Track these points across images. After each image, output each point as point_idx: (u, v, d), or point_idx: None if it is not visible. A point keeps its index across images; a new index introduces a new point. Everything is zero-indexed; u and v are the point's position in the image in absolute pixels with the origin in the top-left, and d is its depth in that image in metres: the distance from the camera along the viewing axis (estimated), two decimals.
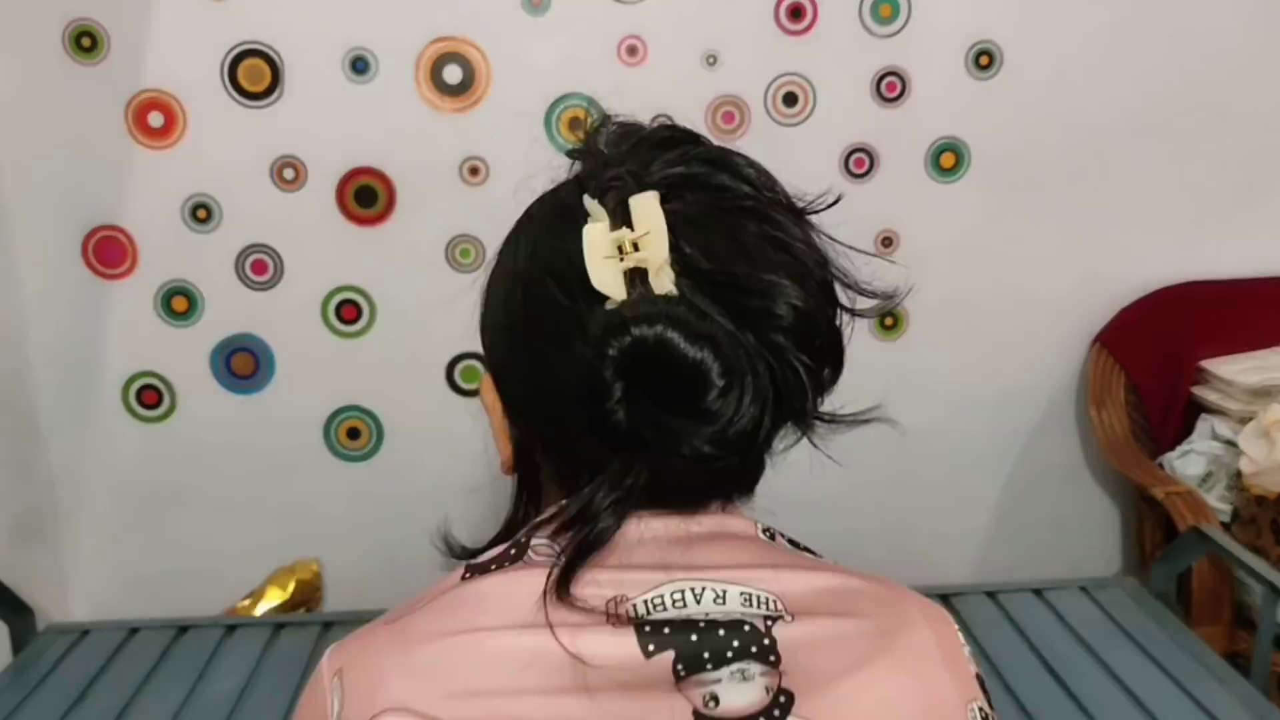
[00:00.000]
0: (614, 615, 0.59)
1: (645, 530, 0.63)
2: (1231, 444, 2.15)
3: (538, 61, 2.01)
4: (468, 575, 0.63)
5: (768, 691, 0.59)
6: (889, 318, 2.21)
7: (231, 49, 1.94)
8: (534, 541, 0.64)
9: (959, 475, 2.31)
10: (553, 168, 0.71)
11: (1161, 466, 2.20)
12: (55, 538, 2.12)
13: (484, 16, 1.98)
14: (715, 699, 0.58)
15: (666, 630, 0.59)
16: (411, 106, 2.00)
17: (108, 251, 2.03)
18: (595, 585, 0.60)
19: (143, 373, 2.09)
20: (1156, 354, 2.26)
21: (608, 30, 2.01)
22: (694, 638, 0.59)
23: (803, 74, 2.06)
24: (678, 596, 0.60)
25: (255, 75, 1.96)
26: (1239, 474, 2.10)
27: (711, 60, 2.04)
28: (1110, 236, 2.22)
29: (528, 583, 0.60)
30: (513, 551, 0.64)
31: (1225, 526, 2.04)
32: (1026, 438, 2.33)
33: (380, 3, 1.96)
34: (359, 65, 1.98)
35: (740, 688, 0.58)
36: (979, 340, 2.25)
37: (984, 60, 2.11)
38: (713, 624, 0.59)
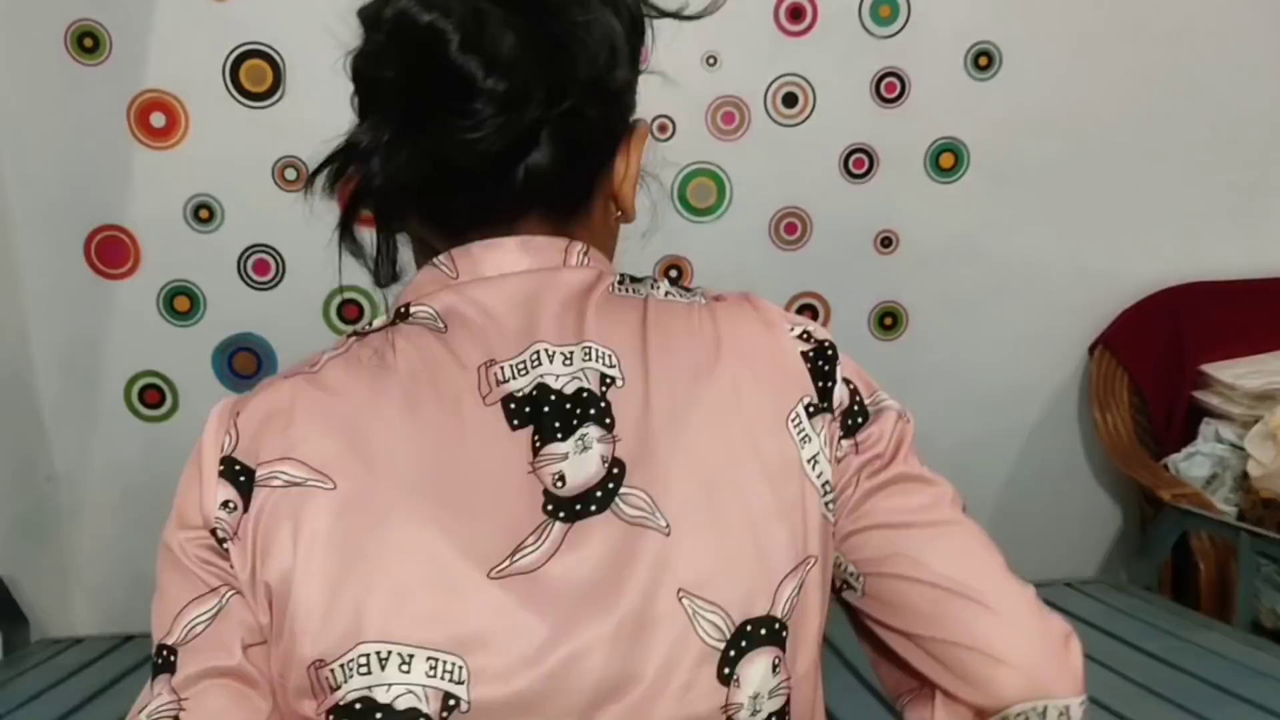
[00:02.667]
0: (486, 381, 0.61)
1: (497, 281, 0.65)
2: (1237, 447, 2.08)
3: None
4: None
5: (604, 462, 0.60)
6: (888, 317, 2.15)
7: (233, 50, 1.91)
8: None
9: (959, 475, 2.24)
10: None
11: (1166, 469, 2.13)
12: (58, 537, 2.06)
13: None
14: (563, 478, 0.59)
15: (528, 409, 0.61)
16: None
17: (110, 252, 1.99)
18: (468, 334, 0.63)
19: (145, 372, 2.05)
20: (1159, 356, 2.21)
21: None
22: (546, 409, 0.61)
23: (803, 74, 2.02)
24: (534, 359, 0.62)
25: (257, 76, 1.92)
26: (1244, 476, 2.04)
27: (712, 61, 2.00)
28: (1110, 237, 2.18)
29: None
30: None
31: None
32: (1027, 438, 2.27)
33: None
34: None
35: (581, 460, 0.59)
36: (978, 340, 2.20)
37: (983, 61, 2.07)
38: (560, 395, 0.61)
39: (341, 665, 0.56)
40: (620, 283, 0.68)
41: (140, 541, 2.08)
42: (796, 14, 2.00)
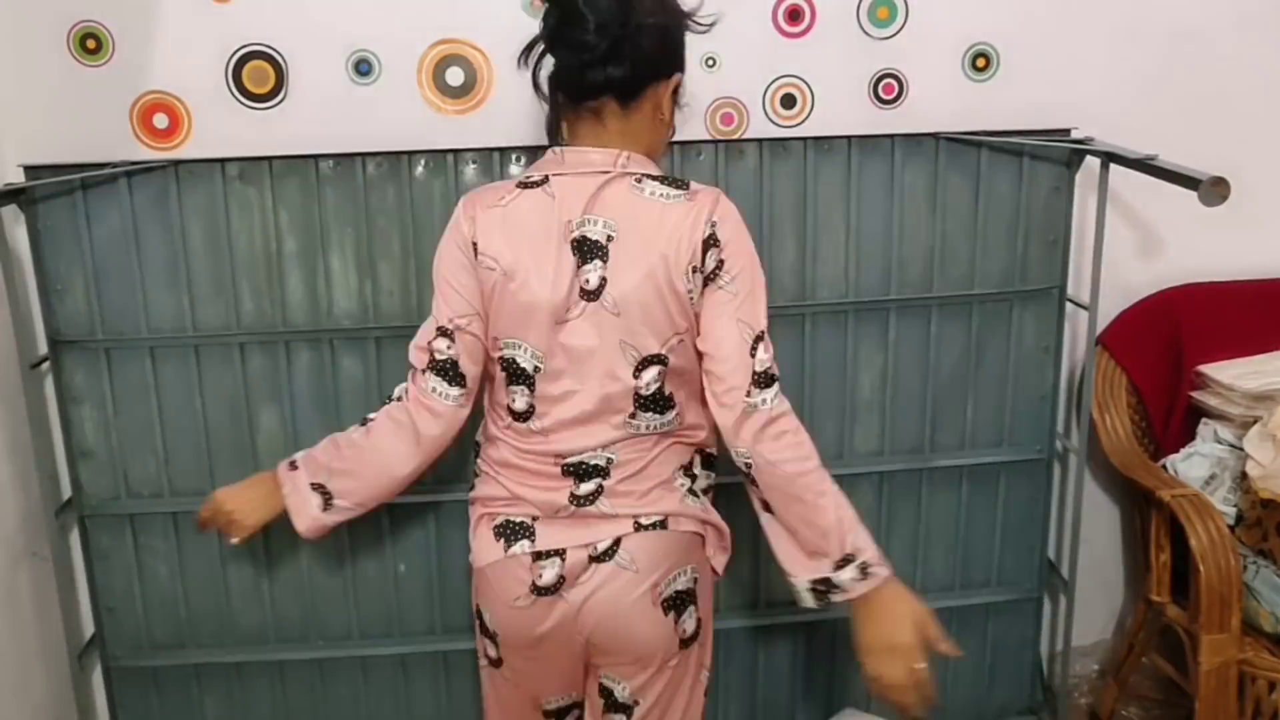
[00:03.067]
0: (566, 229, 1.36)
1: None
2: (1235, 447, 2.07)
3: (540, 63, 1.95)
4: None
5: (601, 278, 1.36)
6: None
7: (236, 51, 1.89)
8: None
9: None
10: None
11: (1165, 469, 2.12)
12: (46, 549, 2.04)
13: (486, 19, 1.94)
14: (588, 282, 1.36)
15: (580, 245, 1.36)
16: (414, 108, 1.95)
17: None
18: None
19: None
20: (1158, 356, 2.20)
21: None
22: (585, 247, 1.36)
23: (801, 76, 2.01)
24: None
25: (259, 77, 1.91)
26: (1243, 476, 2.03)
27: (710, 62, 1.99)
28: (1110, 237, 2.14)
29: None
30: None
31: (1229, 529, 1.95)
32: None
33: (383, 5, 1.91)
34: (362, 67, 1.93)
35: (592, 273, 1.35)
36: None
37: (980, 62, 2.06)
38: (591, 240, 1.36)
39: (501, 340, 1.41)
40: (637, 180, 1.37)
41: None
42: (795, 15, 2.00)
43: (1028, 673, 2.26)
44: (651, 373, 1.36)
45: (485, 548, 1.44)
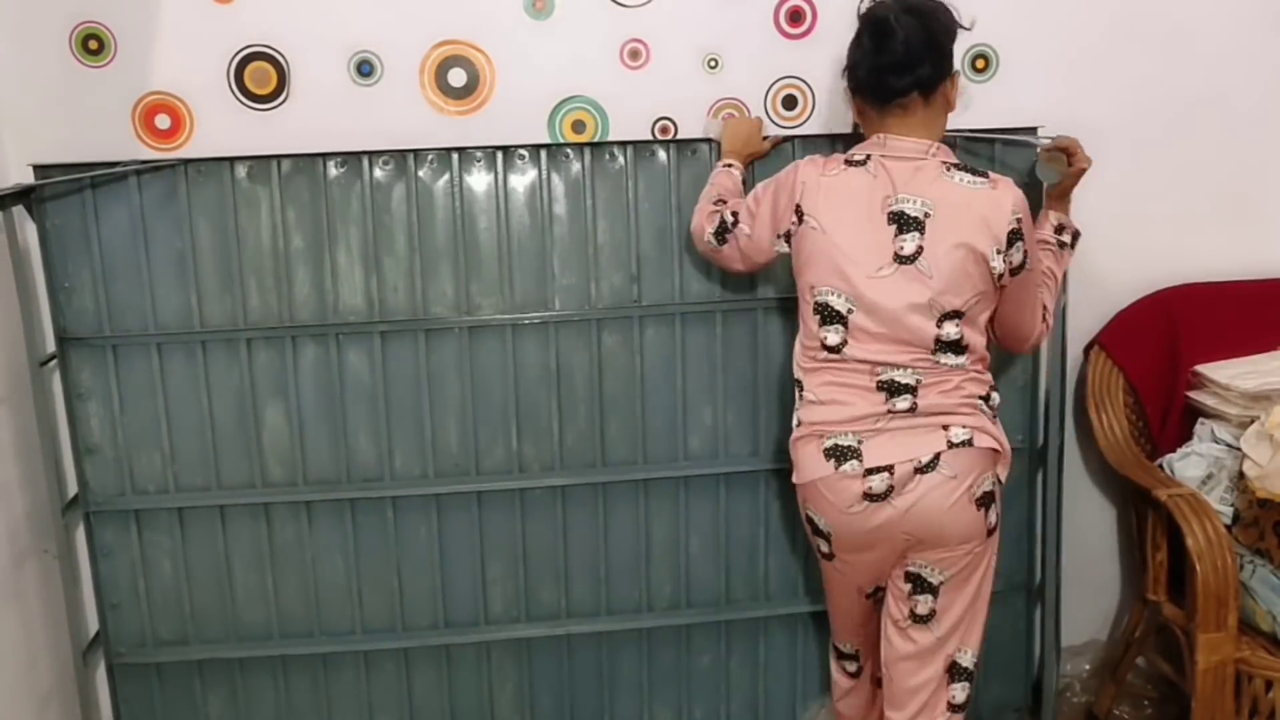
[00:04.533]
0: (884, 204, 1.63)
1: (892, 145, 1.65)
2: (1232, 447, 2.04)
3: (541, 64, 1.92)
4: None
5: (918, 247, 1.60)
6: None
7: (238, 52, 1.86)
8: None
9: None
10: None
11: (1162, 469, 2.08)
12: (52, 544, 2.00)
13: (488, 20, 1.90)
14: (904, 248, 1.62)
15: (898, 218, 1.62)
16: (416, 109, 1.91)
17: None
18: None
19: None
20: (1155, 356, 2.17)
21: (610, 34, 1.92)
22: (903, 220, 1.62)
23: (802, 76, 1.97)
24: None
25: (262, 78, 1.87)
26: (1240, 476, 1.99)
27: (713, 63, 1.95)
28: (1109, 237, 2.12)
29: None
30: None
31: (1226, 529, 1.91)
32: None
33: (385, 6, 1.87)
34: (364, 68, 1.89)
35: (910, 242, 1.61)
36: None
37: (980, 63, 2.03)
38: (908, 215, 1.62)
39: (818, 288, 1.67)
40: (946, 169, 1.62)
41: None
42: (796, 16, 1.96)
43: (1021, 669, 2.22)
44: (951, 324, 1.61)
45: (814, 465, 1.67)
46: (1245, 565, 1.92)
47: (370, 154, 1.90)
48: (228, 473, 1.98)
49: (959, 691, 1.75)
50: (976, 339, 1.66)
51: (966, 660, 1.75)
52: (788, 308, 2.00)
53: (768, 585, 2.12)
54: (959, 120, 1.99)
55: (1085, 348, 2.20)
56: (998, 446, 1.68)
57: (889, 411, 1.63)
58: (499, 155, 1.94)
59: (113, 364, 1.93)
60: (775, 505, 2.09)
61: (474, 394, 1.99)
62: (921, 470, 1.61)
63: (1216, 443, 2.07)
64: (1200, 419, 2.13)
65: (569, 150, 1.96)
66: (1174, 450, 2.12)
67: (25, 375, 1.85)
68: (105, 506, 1.97)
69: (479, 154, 1.94)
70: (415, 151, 1.91)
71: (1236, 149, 2.15)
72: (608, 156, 1.97)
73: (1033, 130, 2.01)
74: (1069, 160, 1.82)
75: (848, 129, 1.99)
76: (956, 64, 1.69)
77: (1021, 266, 1.64)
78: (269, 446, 1.97)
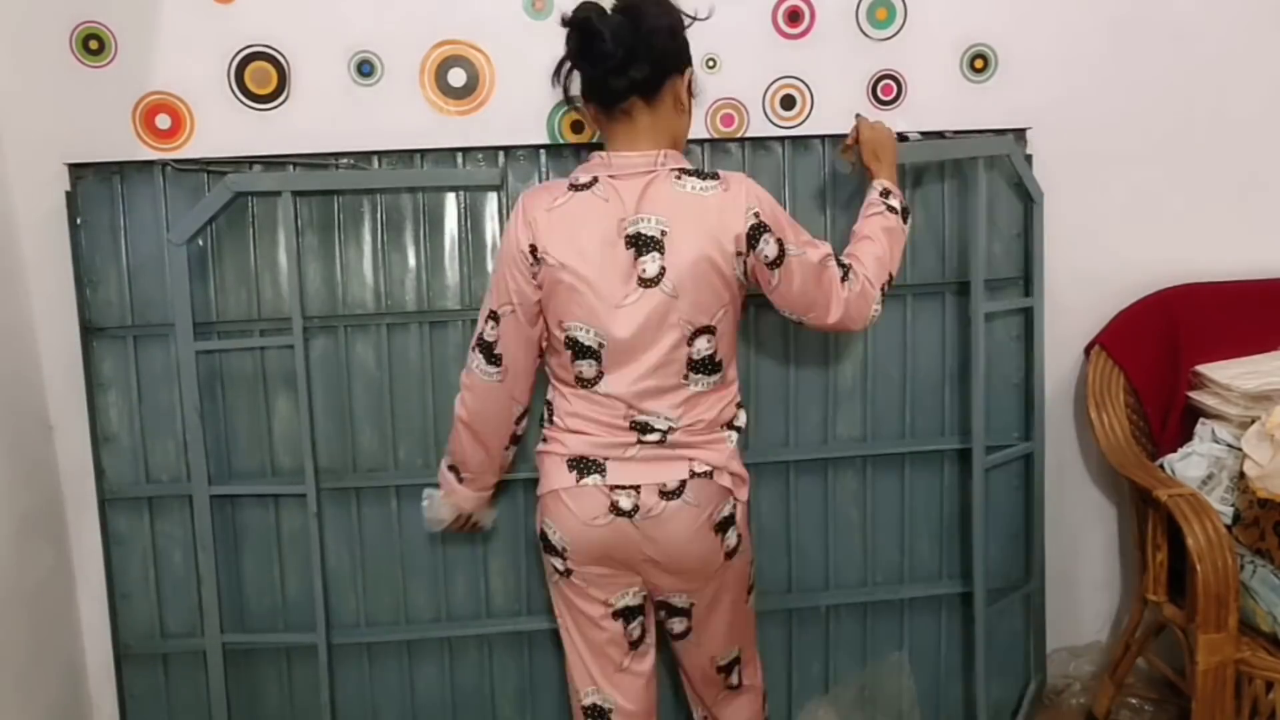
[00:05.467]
0: (620, 226, 1.51)
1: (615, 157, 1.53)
2: (1233, 447, 2.00)
3: (541, 64, 1.88)
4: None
5: (660, 267, 1.49)
6: None
7: (238, 52, 1.84)
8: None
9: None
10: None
11: (1162, 469, 2.04)
12: (63, 535, 2.00)
13: (488, 20, 1.89)
14: (646, 271, 1.49)
15: (635, 240, 1.50)
16: (417, 109, 1.89)
17: None
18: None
19: None
20: (1155, 356, 2.13)
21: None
22: (640, 241, 1.50)
23: (800, 76, 1.94)
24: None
25: (262, 78, 1.85)
26: (1241, 476, 1.95)
27: (711, 63, 1.92)
28: (1108, 237, 2.08)
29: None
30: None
31: (1226, 529, 1.87)
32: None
33: (386, 6, 1.85)
34: (365, 68, 1.87)
35: (651, 264, 1.49)
36: None
37: (978, 63, 1.99)
38: (645, 235, 1.50)
39: (564, 324, 1.54)
40: (677, 177, 1.50)
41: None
42: (794, 16, 1.92)
43: (1020, 669, 2.18)
44: (702, 341, 1.52)
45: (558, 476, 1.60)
46: (1246, 565, 1.88)
47: (379, 154, 1.88)
48: (240, 463, 1.97)
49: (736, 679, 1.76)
50: (727, 353, 1.58)
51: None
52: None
53: (763, 583, 2.10)
54: (954, 120, 1.97)
55: (1085, 348, 2.17)
56: (732, 484, 1.61)
57: (639, 442, 1.56)
58: (500, 155, 1.92)
59: (133, 355, 1.93)
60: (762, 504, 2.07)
61: None
62: (667, 496, 1.55)
63: (1217, 443, 2.03)
64: (1201, 419, 2.09)
65: (569, 150, 1.93)
66: (1174, 450, 2.08)
67: (37, 369, 1.86)
68: (120, 494, 1.97)
69: (479, 154, 1.92)
70: (415, 151, 1.89)
71: (1236, 149, 2.11)
72: None
73: (1023, 131, 1.97)
74: (857, 143, 1.73)
75: (848, 129, 1.96)
76: (694, 59, 1.56)
77: (782, 256, 1.52)
78: (280, 442, 1.97)
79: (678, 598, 1.65)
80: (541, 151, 1.93)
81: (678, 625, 1.69)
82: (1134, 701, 2.16)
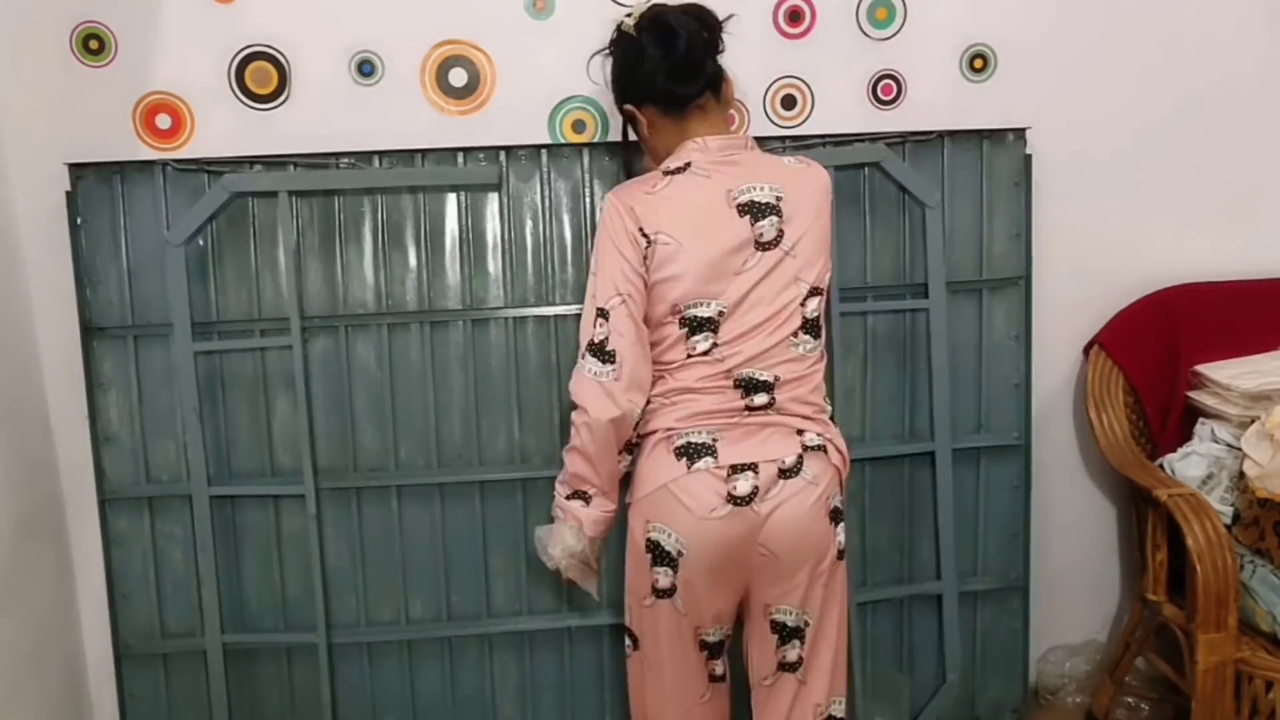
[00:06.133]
0: (729, 197, 1.53)
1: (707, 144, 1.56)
2: (1232, 447, 1.99)
3: (541, 64, 1.88)
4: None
5: (777, 231, 1.53)
6: None
7: (239, 52, 1.82)
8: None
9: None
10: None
11: (1162, 468, 2.02)
12: (63, 535, 1.98)
13: (489, 20, 1.87)
14: (763, 234, 1.52)
15: (747, 208, 1.53)
16: (417, 109, 1.87)
17: None
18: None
19: None
20: (1155, 356, 2.12)
21: (610, 34, 1.86)
22: (755, 208, 1.52)
23: (801, 76, 1.92)
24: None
25: (262, 78, 1.83)
26: (1240, 476, 1.94)
27: None
28: (1107, 237, 2.07)
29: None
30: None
31: (1226, 529, 1.86)
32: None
33: (386, 6, 1.83)
34: (365, 68, 1.85)
35: (768, 227, 1.53)
36: None
37: (978, 63, 1.98)
38: (759, 202, 1.53)
39: (680, 305, 1.53)
40: (768, 155, 1.61)
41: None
42: (795, 16, 1.91)
43: (1019, 669, 2.16)
44: (814, 301, 1.56)
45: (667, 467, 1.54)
46: (1245, 565, 1.86)
47: (380, 153, 1.86)
48: (240, 462, 1.95)
49: None
50: (825, 321, 1.61)
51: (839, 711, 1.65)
52: None
53: None
54: (954, 120, 1.95)
55: (1085, 348, 2.15)
56: (840, 464, 1.59)
57: (746, 408, 1.54)
58: (500, 155, 1.90)
59: (133, 355, 1.91)
60: None
61: (477, 386, 1.96)
62: (786, 474, 1.51)
63: (1217, 442, 2.02)
64: (1200, 419, 2.07)
65: (569, 150, 1.91)
66: (1174, 450, 2.06)
67: (35, 369, 1.84)
68: (120, 494, 1.95)
69: (480, 154, 1.90)
70: (416, 152, 1.87)
71: (1235, 149, 2.10)
72: (607, 157, 1.93)
73: (1022, 131, 1.95)
74: None
75: (849, 129, 1.94)
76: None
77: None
78: (279, 440, 1.95)
79: (788, 612, 1.57)
80: (542, 151, 1.91)
81: (791, 653, 1.60)
82: (1133, 701, 2.15)
